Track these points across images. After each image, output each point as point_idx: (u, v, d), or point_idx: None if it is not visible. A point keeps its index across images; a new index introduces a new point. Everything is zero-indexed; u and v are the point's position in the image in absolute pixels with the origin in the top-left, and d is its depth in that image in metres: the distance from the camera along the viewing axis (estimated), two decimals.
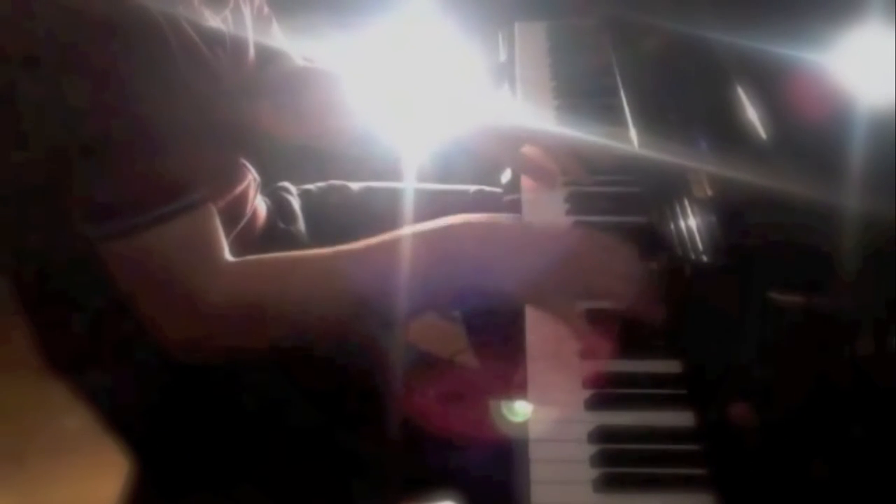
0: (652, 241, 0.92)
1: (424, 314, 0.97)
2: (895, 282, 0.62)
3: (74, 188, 0.80)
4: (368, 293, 0.84)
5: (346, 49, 1.26)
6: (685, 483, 0.70)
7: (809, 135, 0.75)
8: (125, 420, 1.01)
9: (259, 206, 1.10)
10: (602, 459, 0.72)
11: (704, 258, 0.80)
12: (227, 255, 0.86)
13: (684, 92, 0.98)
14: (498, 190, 1.22)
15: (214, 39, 0.91)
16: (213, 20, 0.92)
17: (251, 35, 1.01)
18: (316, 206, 1.23)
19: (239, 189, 1.02)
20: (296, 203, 1.21)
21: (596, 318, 0.83)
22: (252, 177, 1.06)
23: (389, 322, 0.86)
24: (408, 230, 0.85)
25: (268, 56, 1.08)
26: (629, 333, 0.83)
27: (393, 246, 0.84)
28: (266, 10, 1.10)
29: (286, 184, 1.24)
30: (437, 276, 0.84)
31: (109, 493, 1.15)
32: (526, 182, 1.09)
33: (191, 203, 0.82)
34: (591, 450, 0.73)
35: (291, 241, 1.15)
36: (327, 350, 0.93)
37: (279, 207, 1.18)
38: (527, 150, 1.11)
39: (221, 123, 0.91)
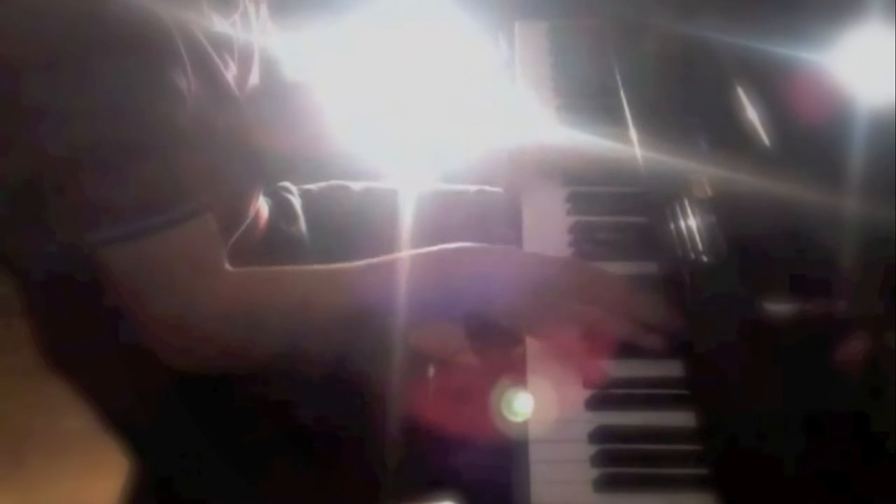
0: (652, 241, 0.92)
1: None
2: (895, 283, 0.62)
3: (74, 193, 0.80)
4: (366, 311, 0.85)
5: (344, 49, 1.26)
6: (685, 483, 0.70)
7: (810, 135, 0.75)
8: (124, 420, 1.01)
9: (261, 207, 1.09)
10: (602, 459, 0.72)
11: (704, 258, 0.80)
12: (226, 265, 0.86)
13: (685, 92, 0.98)
14: (498, 190, 1.23)
15: (223, 45, 0.91)
16: (222, 25, 0.92)
17: (257, 40, 1.01)
18: (316, 206, 1.23)
19: (240, 192, 1.01)
20: (297, 203, 1.21)
21: (592, 341, 0.83)
22: (254, 179, 1.06)
23: (385, 337, 0.87)
24: (406, 253, 0.87)
25: (270, 62, 1.08)
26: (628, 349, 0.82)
27: (391, 266, 0.86)
28: (266, 13, 1.10)
29: (287, 184, 1.24)
30: (432, 297, 0.86)
31: (108, 492, 1.15)
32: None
33: (189, 212, 0.82)
34: (591, 450, 0.73)
35: (293, 243, 1.15)
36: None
37: (280, 208, 1.18)
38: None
39: (226, 129, 0.91)
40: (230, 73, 0.92)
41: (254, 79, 1.00)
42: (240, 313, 0.84)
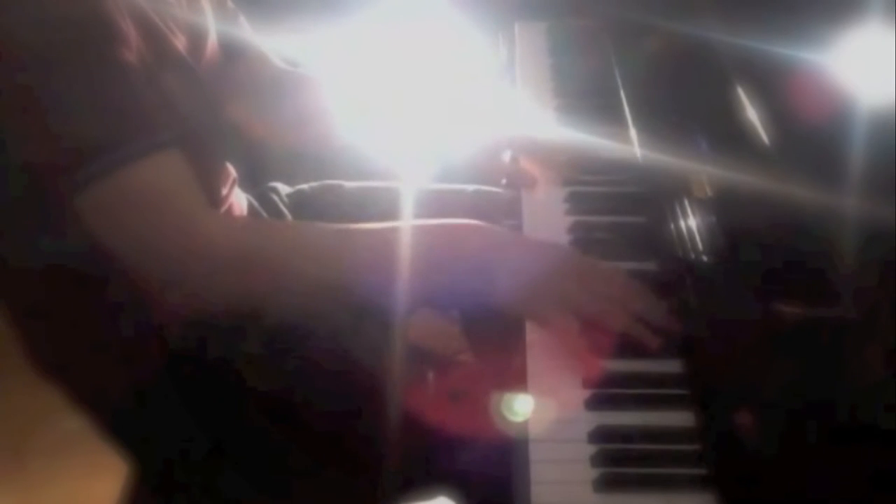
0: (651, 241, 0.92)
1: (421, 309, 0.98)
2: (895, 283, 0.62)
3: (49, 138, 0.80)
4: (365, 270, 0.86)
5: (343, 49, 1.26)
6: (685, 483, 0.70)
7: (809, 135, 0.75)
8: (118, 421, 1.00)
9: (237, 200, 1.09)
10: (602, 459, 0.72)
11: (704, 258, 0.80)
12: (210, 207, 0.87)
13: (684, 92, 0.98)
14: (497, 189, 1.23)
15: (168, 15, 0.90)
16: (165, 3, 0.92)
17: (211, 23, 1.01)
18: (309, 205, 1.23)
19: (209, 161, 1.01)
20: (281, 204, 1.21)
21: (592, 335, 0.83)
22: (226, 169, 1.06)
23: (385, 308, 0.87)
24: (413, 221, 0.88)
25: (234, 51, 1.07)
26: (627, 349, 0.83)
27: (399, 230, 0.87)
28: (230, 4, 1.10)
29: (276, 185, 1.24)
30: (436, 270, 0.86)
31: (108, 493, 1.15)
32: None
33: (153, 144, 0.81)
34: (591, 450, 0.73)
35: None
36: (328, 348, 0.93)
37: (267, 208, 1.18)
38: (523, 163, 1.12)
39: (180, 91, 0.90)
40: (179, 42, 0.91)
41: (212, 65, 0.99)
42: (240, 245, 0.85)
